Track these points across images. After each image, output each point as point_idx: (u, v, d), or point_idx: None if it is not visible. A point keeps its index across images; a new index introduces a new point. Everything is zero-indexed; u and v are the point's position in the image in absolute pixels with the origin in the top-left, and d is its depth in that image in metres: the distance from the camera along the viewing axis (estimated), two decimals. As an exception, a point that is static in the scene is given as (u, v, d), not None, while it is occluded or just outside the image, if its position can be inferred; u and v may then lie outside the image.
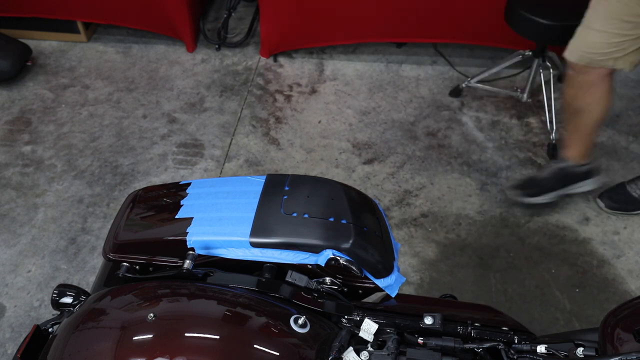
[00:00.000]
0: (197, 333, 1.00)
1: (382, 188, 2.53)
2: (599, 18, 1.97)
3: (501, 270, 2.25)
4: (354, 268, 1.15)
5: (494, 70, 2.92)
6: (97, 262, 2.24)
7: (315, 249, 1.16)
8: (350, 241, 1.14)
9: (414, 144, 2.72)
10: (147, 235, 1.26)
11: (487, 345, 1.07)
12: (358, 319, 1.12)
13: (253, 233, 1.16)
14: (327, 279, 1.20)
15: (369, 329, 1.08)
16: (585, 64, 2.06)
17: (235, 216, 1.21)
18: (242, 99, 2.97)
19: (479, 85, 2.92)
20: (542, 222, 2.40)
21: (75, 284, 1.56)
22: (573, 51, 2.08)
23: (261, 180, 1.30)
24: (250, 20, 3.29)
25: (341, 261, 1.14)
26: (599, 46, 1.99)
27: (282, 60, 3.19)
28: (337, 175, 2.58)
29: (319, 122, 2.84)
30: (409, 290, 2.15)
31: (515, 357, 1.05)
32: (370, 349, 1.05)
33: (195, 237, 1.18)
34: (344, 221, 1.18)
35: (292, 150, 2.71)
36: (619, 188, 2.43)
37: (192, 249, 1.18)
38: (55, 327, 1.15)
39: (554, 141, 2.65)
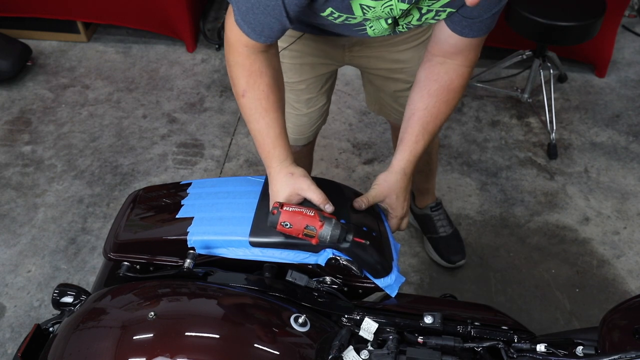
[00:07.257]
0: (197, 332, 1.01)
1: (382, 188, 2.53)
2: None
3: (501, 270, 2.25)
4: (354, 268, 1.15)
5: (494, 70, 2.93)
6: (97, 262, 2.24)
7: (315, 249, 1.16)
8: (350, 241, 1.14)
9: (413, 144, 2.71)
10: (147, 235, 1.27)
11: (487, 344, 1.07)
12: (358, 318, 1.12)
13: (252, 233, 1.17)
14: (327, 279, 1.20)
15: (369, 328, 1.08)
16: None
17: (235, 216, 1.22)
18: (242, 99, 2.97)
19: (479, 85, 2.92)
20: (542, 222, 2.40)
21: (75, 284, 1.56)
22: None
23: (261, 180, 1.31)
24: (250, 20, 3.29)
25: (341, 261, 1.15)
26: None
27: (282, 60, 3.19)
28: (337, 175, 2.58)
29: (319, 122, 2.84)
30: (409, 290, 2.16)
31: (515, 356, 1.05)
32: (370, 348, 1.05)
33: (196, 237, 1.18)
34: (342, 221, 1.18)
35: (292, 150, 2.71)
36: None
37: (193, 249, 1.18)
38: (55, 326, 1.15)
39: (553, 141, 2.65)
